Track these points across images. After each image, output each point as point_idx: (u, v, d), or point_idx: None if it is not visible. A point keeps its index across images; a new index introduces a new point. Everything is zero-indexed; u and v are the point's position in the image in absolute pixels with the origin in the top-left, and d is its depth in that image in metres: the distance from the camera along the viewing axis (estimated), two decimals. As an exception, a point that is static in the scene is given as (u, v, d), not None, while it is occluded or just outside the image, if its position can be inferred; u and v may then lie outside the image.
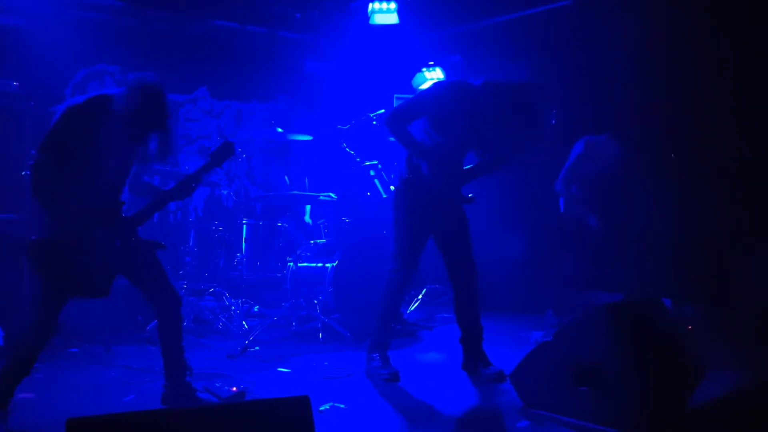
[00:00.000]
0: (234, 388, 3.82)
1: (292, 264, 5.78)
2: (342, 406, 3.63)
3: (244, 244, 6.14)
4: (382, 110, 5.78)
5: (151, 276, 3.49)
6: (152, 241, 3.49)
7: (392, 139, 4.26)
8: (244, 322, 5.54)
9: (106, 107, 3.27)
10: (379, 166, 6.05)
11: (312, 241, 5.96)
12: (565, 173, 5.70)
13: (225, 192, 7.24)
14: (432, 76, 6.76)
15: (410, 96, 4.34)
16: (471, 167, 4.26)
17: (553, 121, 5.84)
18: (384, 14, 6.66)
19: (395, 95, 7.13)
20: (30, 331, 3.34)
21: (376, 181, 6.01)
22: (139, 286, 3.53)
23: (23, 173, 4.97)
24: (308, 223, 6.45)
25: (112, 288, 3.36)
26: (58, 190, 3.21)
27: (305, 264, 5.73)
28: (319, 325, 5.39)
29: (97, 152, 3.27)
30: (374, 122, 5.91)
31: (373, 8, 6.65)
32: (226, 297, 5.80)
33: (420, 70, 6.77)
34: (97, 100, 3.31)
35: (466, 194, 4.27)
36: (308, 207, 6.64)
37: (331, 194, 6.22)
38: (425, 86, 6.02)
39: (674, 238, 5.26)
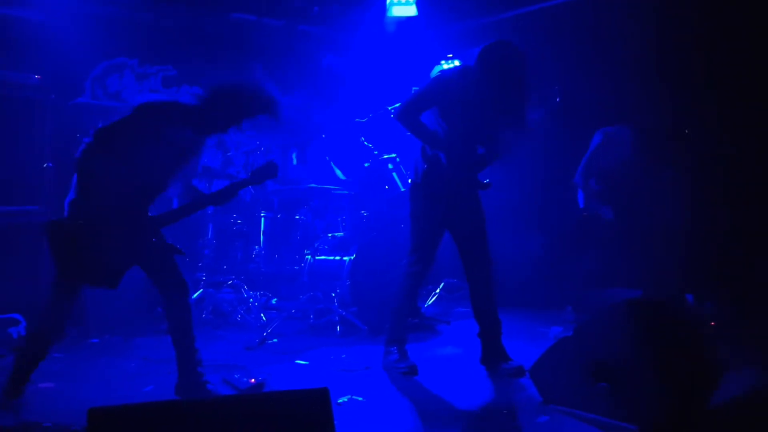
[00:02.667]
0: (252, 380, 3.84)
1: (309, 257, 5.79)
2: (360, 398, 3.63)
3: (262, 236, 6.16)
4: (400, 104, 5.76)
5: (163, 269, 3.50)
6: (172, 245, 3.50)
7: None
8: (261, 315, 5.58)
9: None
10: (398, 159, 6.03)
11: (330, 235, 5.96)
12: (583, 166, 5.67)
13: (243, 185, 7.25)
14: (451, 69, 6.72)
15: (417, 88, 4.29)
16: (485, 152, 4.18)
17: (558, 99, 5.78)
18: (402, 6, 6.62)
19: (414, 88, 7.10)
20: (42, 318, 3.34)
21: (394, 174, 5.99)
22: (150, 277, 3.54)
23: (45, 165, 5.01)
24: (332, 215, 6.44)
25: (124, 281, 3.34)
26: (99, 173, 3.23)
27: (323, 257, 5.73)
28: (336, 318, 5.39)
29: (148, 155, 3.31)
30: (392, 115, 5.87)
31: (391, 0, 6.62)
32: (244, 289, 5.83)
33: (439, 63, 6.73)
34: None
35: (482, 180, 4.20)
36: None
37: (342, 178, 6.20)
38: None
39: (696, 234, 5.20)
